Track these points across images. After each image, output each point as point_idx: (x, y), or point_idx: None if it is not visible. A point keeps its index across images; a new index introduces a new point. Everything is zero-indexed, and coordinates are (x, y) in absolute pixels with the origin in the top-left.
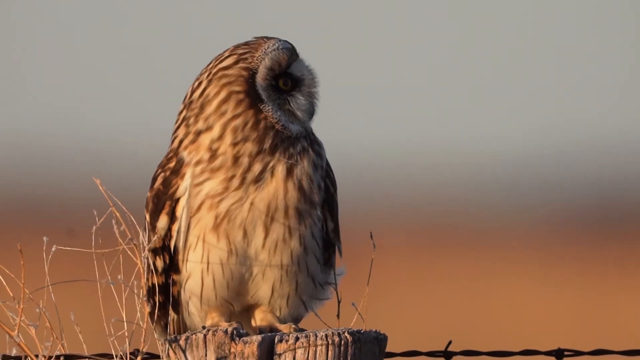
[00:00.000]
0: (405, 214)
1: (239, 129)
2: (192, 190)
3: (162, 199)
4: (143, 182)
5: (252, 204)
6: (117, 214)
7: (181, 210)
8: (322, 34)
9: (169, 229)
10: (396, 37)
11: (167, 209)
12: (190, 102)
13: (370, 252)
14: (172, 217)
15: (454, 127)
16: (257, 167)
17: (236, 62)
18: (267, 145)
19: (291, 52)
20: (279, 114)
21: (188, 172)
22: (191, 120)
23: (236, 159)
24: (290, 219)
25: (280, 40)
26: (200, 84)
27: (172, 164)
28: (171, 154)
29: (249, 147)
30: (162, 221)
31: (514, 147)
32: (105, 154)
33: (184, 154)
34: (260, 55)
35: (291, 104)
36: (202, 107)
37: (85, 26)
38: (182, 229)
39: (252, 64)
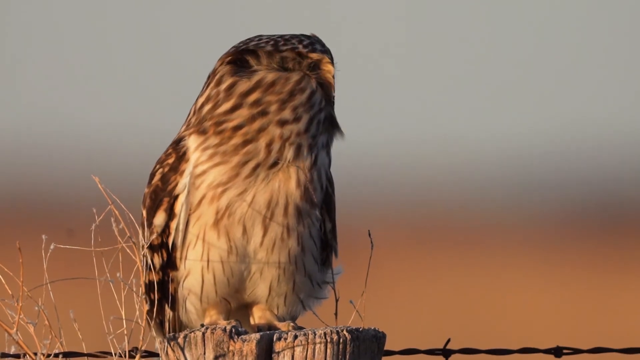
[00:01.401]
0: (404, 212)
1: (321, 122)
2: (194, 182)
3: (160, 195)
4: (142, 180)
5: (254, 196)
6: (116, 212)
7: (180, 207)
8: (321, 31)
9: (167, 226)
10: (395, 37)
11: (165, 205)
12: (272, 85)
13: (368, 250)
14: (171, 214)
15: (454, 126)
16: (278, 156)
17: (324, 52)
18: (324, 140)
19: None
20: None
21: (189, 165)
22: (273, 107)
23: (269, 144)
24: (290, 217)
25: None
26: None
27: (170, 160)
28: (170, 150)
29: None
30: (160, 218)
31: (514, 145)
32: (104, 152)
33: (191, 140)
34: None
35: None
36: (291, 94)
37: (86, 26)
38: (181, 226)
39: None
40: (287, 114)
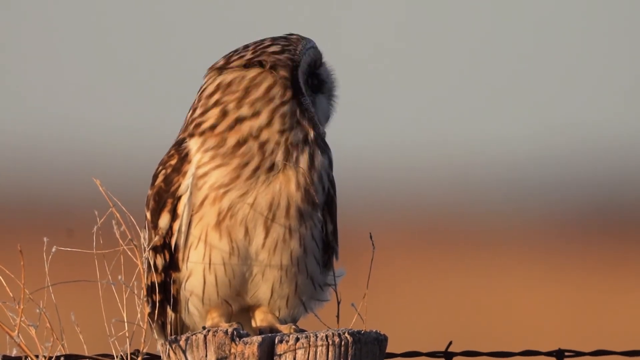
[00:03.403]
0: (406, 214)
1: (287, 116)
2: (196, 183)
3: (164, 196)
4: (143, 183)
5: (255, 198)
6: (118, 215)
7: (182, 208)
8: (323, 32)
9: (170, 227)
10: (397, 38)
11: (168, 206)
12: (229, 85)
13: (369, 252)
14: (174, 215)
15: (454, 127)
16: (273, 158)
17: (282, 51)
18: (300, 137)
19: (321, 54)
20: (313, 109)
21: (192, 166)
22: (231, 106)
23: (262, 145)
24: (291, 219)
25: (312, 41)
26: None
27: (173, 161)
28: (172, 151)
29: (283, 136)
30: (164, 219)
31: (515, 147)
32: (105, 154)
33: (192, 142)
34: (302, 50)
35: (316, 105)
36: (246, 91)
37: (87, 27)
38: (184, 227)
39: (296, 56)
40: (244, 110)
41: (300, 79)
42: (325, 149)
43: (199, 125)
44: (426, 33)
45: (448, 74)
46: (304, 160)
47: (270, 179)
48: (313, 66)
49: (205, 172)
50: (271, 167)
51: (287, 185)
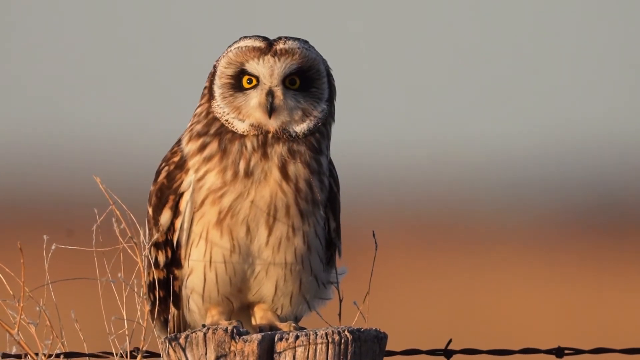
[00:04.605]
0: (406, 212)
1: (201, 122)
2: (196, 184)
3: (166, 193)
4: (143, 180)
5: (254, 197)
6: (117, 212)
7: (185, 205)
8: (325, 32)
9: (172, 224)
10: (398, 37)
11: (170, 203)
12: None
13: (368, 250)
14: (176, 212)
15: (455, 127)
16: (243, 162)
17: (218, 59)
18: (226, 142)
19: (255, 51)
20: (225, 110)
21: (191, 169)
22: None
23: (224, 151)
24: (293, 217)
25: (250, 39)
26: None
27: (176, 158)
28: (175, 148)
29: (220, 141)
30: (165, 216)
31: (515, 146)
32: (105, 152)
33: (185, 146)
34: (222, 54)
35: (239, 101)
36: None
37: (86, 26)
38: (185, 224)
39: (218, 61)
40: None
41: (215, 83)
42: (312, 146)
43: (192, 128)
44: (429, 31)
45: (448, 73)
46: (274, 167)
47: (260, 183)
48: (235, 66)
49: (201, 176)
50: (249, 174)
51: (275, 188)
